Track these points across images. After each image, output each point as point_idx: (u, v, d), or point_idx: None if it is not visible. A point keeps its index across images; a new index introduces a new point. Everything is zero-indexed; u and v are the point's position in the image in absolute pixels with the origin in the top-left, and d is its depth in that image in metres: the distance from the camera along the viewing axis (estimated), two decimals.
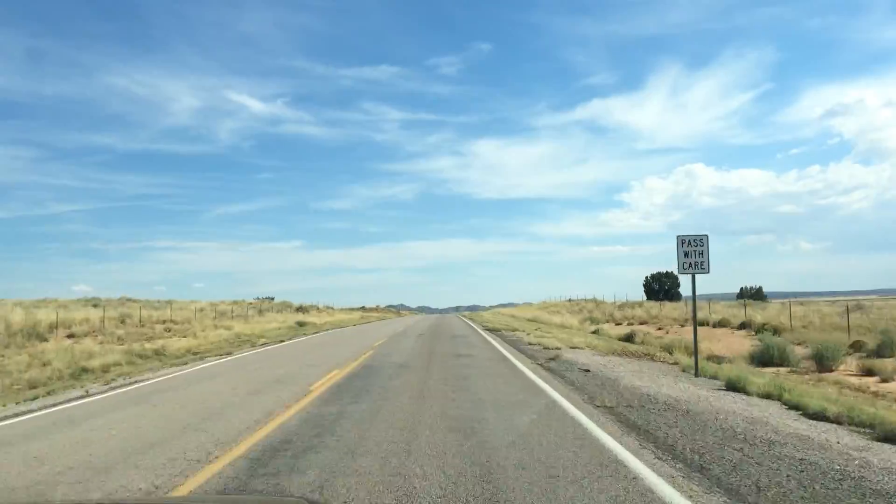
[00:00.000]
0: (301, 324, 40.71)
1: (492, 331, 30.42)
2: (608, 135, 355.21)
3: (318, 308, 73.46)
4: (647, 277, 73.50)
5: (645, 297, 63.80)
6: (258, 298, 73.34)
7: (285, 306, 62.10)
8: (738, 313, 31.26)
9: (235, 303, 58.73)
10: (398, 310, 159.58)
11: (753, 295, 70.86)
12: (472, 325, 40.48)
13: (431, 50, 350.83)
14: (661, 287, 70.41)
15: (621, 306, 48.29)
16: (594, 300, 62.92)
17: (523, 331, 28.71)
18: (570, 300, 70.36)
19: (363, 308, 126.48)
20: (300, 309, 59.51)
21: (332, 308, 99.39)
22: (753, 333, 25.97)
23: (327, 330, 37.14)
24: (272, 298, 74.66)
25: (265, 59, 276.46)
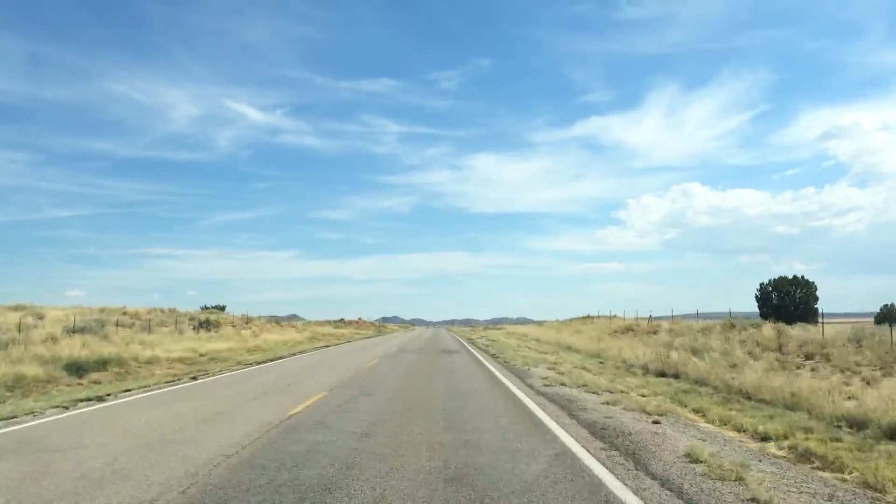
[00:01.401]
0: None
1: (546, 397, 12.75)
2: (605, 152, 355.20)
3: (279, 323, 60.37)
4: (762, 285, 51.42)
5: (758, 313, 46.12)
6: (204, 308, 61.10)
7: (227, 321, 46.57)
8: None
9: (153, 311, 42.18)
10: (380, 324, 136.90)
11: None
12: (482, 360, 24.82)
13: (431, 64, 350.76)
14: (787, 299, 48.37)
15: (730, 327, 25.89)
16: (648, 321, 38.33)
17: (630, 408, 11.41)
18: (609, 317, 52.88)
19: (341, 321, 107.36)
20: (205, 324, 40.41)
21: (305, 322, 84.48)
22: None
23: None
24: (223, 308, 62.37)
25: (265, 69, 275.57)
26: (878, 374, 13.63)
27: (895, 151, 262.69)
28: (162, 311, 42.89)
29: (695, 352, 19.49)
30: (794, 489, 5.90)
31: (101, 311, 37.27)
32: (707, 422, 9.96)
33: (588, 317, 59.00)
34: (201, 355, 25.15)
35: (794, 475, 6.47)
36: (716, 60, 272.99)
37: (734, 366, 15.94)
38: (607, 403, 11.51)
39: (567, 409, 10.90)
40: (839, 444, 7.87)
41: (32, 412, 10.65)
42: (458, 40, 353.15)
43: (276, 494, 5.43)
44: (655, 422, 9.54)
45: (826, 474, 6.62)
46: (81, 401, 12.13)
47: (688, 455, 7.13)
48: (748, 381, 13.33)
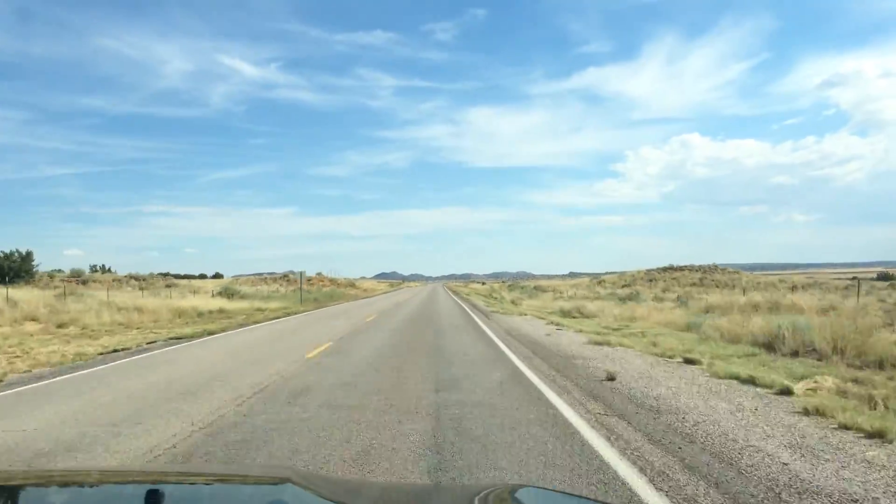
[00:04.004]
0: None
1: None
2: (603, 104, 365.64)
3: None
4: None
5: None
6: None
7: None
8: None
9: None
10: (347, 282, 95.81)
11: None
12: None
13: (426, 15, 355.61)
14: None
15: None
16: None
17: None
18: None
19: (286, 277, 74.40)
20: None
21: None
22: None
23: None
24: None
25: (258, 23, 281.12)
26: None
27: None
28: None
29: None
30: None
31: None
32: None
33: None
34: None
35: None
36: (716, 7, 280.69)
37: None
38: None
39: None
40: None
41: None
42: None
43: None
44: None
45: None
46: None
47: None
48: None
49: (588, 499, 3.31)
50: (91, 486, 1.88)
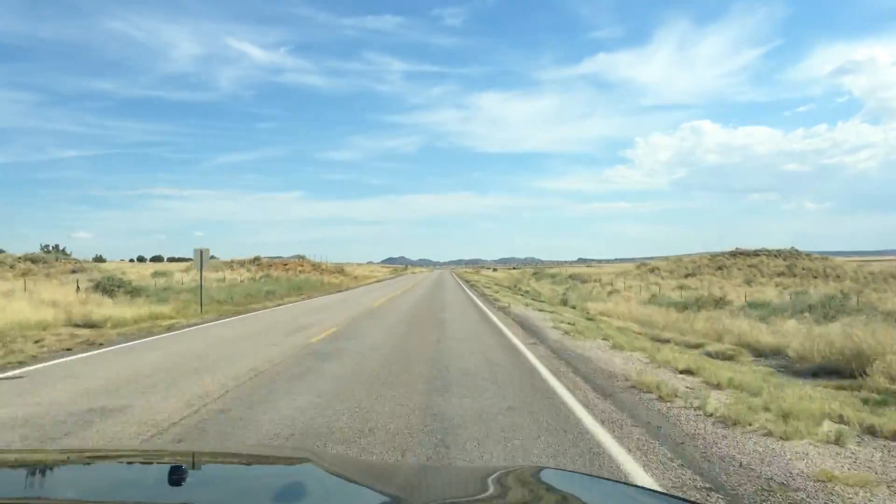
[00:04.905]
0: None
1: None
2: (613, 90, 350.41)
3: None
4: None
5: None
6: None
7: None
8: None
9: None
10: (332, 267, 68.17)
11: None
12: None
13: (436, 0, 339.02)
14: None
15: None
16: None
17: None
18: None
19: (257, 261, 56.24)
20: None
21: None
22: None
23: None
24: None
25: (267, 6, 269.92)
26: None
27: None
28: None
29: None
30: None
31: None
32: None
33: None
34: None
35: None
36: None
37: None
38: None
39: None
40: None
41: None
42: None
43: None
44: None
45: None
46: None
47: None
48: None
49: (608, 479, 3.23)
50: (114, 465, 1.96)
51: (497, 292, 33.29)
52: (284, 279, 45.77)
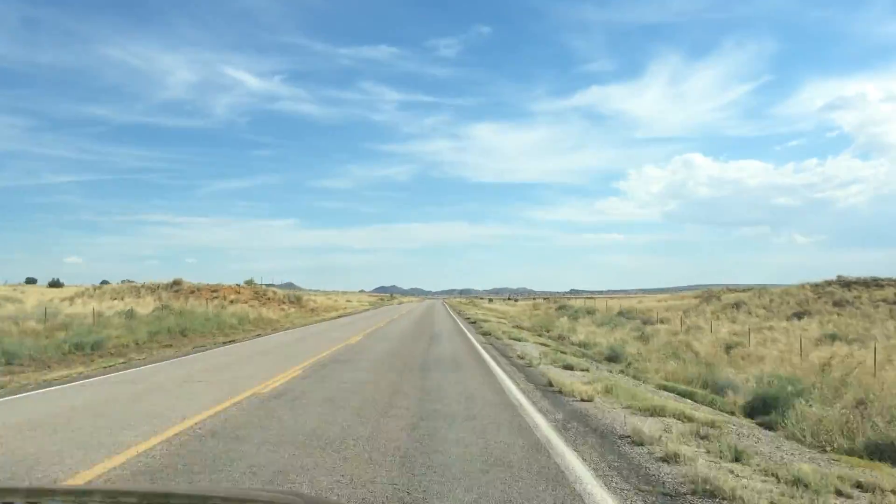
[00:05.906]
0: None
1: None
2: (606, 122, 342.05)
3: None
4: None
5: None
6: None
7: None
8: None
9: None
10: (291, 295, 54.62)
11: None
12: None
13: (431, 31, 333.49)
14: None
15: None
16: None
17: None
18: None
19: (176, 286, 42.96)
20: None
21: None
22: None
23: None
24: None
25: (263, 35, 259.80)
26: None
27: None
28: None
29: None
30: None
31: None
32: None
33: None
34: None
35: None
36: (719, 29, 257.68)
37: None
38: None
39: None
40: None
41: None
42: (457, 6, 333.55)
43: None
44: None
45: None
46: None
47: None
48: None
49: None
50: None
51: (501, 339, 17.55)
52: (200, 313, 30.58)
